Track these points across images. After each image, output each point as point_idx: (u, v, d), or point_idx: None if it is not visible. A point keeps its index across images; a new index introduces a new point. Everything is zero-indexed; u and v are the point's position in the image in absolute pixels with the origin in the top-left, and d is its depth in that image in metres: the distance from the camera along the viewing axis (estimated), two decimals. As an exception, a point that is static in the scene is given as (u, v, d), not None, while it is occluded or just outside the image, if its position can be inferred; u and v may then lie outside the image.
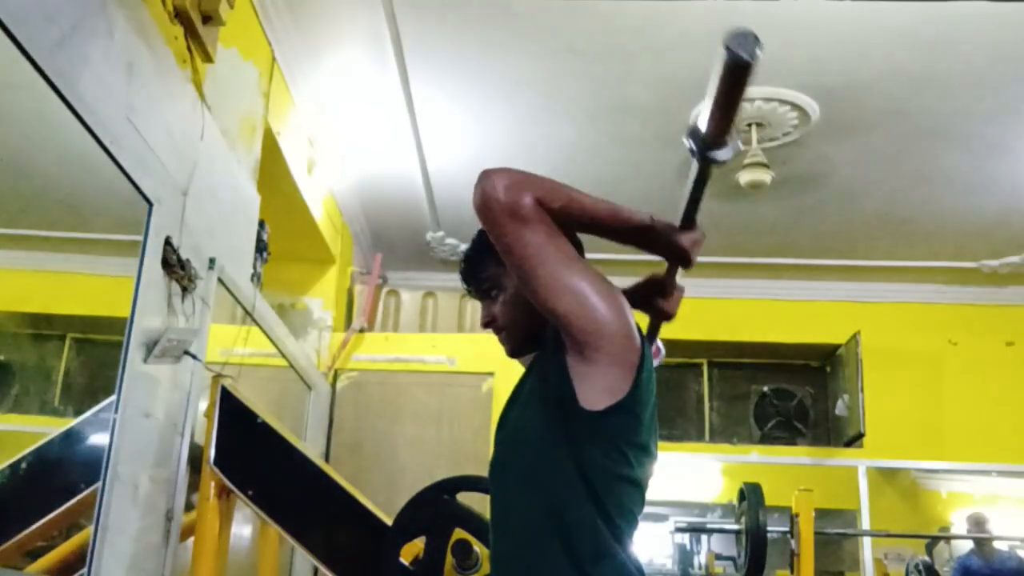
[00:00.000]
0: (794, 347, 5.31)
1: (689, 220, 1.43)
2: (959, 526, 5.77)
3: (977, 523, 5.19)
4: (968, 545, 5.55)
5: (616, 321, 1.35)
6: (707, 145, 1.29)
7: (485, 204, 1.33)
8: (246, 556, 3.34)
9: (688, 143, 1.30)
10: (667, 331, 1.64)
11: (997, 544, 5.30)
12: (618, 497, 1.38)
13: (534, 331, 1.50)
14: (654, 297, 1.56)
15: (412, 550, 2.09)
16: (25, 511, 2.35)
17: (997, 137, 3.69)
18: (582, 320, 1.34)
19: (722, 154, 1.29)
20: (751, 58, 1.14)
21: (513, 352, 1.60)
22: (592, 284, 1.35)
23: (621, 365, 1.36)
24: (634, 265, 1.60)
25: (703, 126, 1.28)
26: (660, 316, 1.58)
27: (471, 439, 4.19)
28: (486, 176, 1.34)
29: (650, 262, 1.53)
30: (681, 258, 1.45)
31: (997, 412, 4.93)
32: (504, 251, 1.37)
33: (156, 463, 2.22)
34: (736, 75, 1.17)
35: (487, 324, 1.60)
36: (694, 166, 1.34)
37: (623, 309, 1.37)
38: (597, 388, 1.35)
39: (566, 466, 1.36)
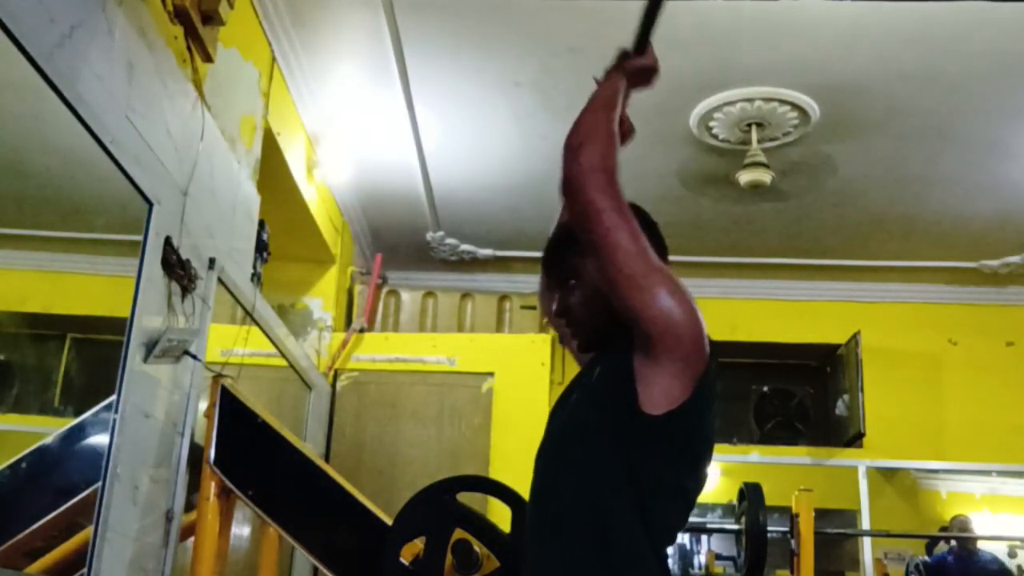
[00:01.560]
0: (794, 347, 5.30)
1: (642, 43, 1.59)
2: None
3: (962, 528, 5.19)
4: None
5: (691, 325, 1.35)
6: None
7: (576, 194, 1.37)
8: (246, 556, 3.34)
9: None
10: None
11: (998, 544, 5.31)
12: (661, 505, 1.38)
13: (607, 326, 1.48)
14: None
15: (412, 550, 2.09)
16: (25, 511, 2.35)
17: (997, 137, 3.69)
18: (659, 319, 1.34)
19: None
20: None
21: (583, 346, 1.58)
22: (673, 285, 1.35)
23: (686, 371, 1.36)
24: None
25: None
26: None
27: (471, 439, 4.19)
28: (575, 156, 1.38)
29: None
30: (644, 73, 1.63)
31: (997, 412, 4.93)
32: (595, 241, 1.37)
33: (156, 463, 2.22)
34: None
35: (561, 314, 1.57)
36: None
37: (698, 315, 1.37)
38: (659, 392, 1.35)
39: (615, 465, 1.36)
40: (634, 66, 1.62)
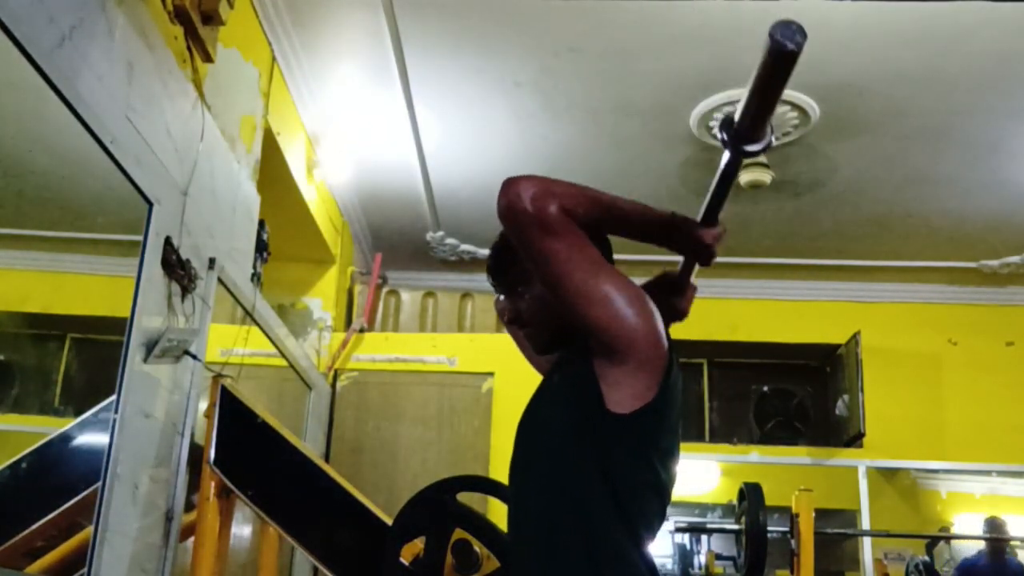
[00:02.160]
0: (794, 347, 5.30)
1: (712, 215, 1.41)
2: (959, 526, 5.77)
3: (994, 528, 5.18)
4: (968, 545, 5.56)
5: (645, 327, 1.35)
6: (740, 136, 1.27)
7: (511, 214, 1.33)
8: (246, 556, 3.34)
9: (721, 134, 1.28)
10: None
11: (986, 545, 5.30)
12: (639, 502, 1.38)
13: (562, 329, 1.48)
14: (667, 295, 1.55)
15: (412, 550, 2.09)
16: (25, 511, 2.35)
17: (997, 137, 3.69)
18: (612, 327, 1.34)
19: (755, 147, 1.28)
20: (796, 47, 1.13)
21: (540, 349, 1.58)
22: (621, 290, 1.35)
23: (649, 370, 1.36)
24: (648, 265, 1.60)
25: (739, 113, 1.26)
26: (673, 316, 1.57)
27: (471, 439, 4.19)
28: (510, 185, 1.33)
29: (662, 261, 1.54)
30: (702, 254, 1.45)
31: (997, 412, 4.93)
32: (531, 260, 1.37)
33: (156, 463, 2.22)
34: (780, 64, 1.17)
35: (512, 321, 1.58)
36: (724, 157, 1.32)
37: (652, 314, 1.37)
38: (625, 392, 1.35)
39: (589, 468, 1.36)
40: (696, 235, 1.44)
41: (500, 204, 1.34)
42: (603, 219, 1.40)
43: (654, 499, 1.41)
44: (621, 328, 1.34)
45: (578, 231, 1.34)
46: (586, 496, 1.36)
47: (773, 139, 1.31)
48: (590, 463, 1.37)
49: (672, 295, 1.55)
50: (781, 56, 1.14)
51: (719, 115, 3.55)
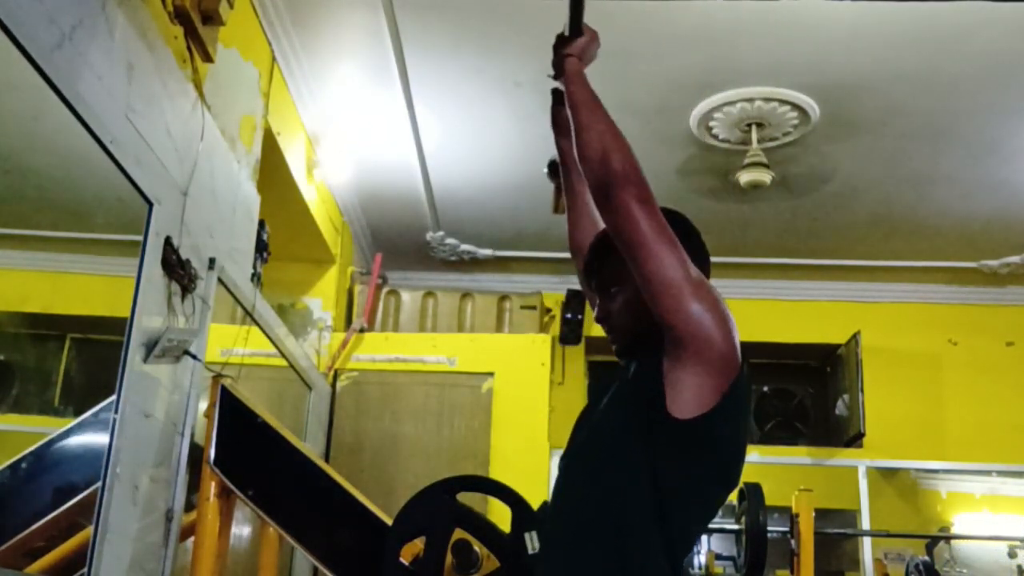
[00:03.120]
0: (794, 347, 5.30)
1: (576, 27, 1.62)
2: (959, 526, 5.77)
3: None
4: (968, 545, 5.55)
5: (723, 331, 1.36)
6: None
7: (616, 185, 1.37)
8: (246, 556, 3.34)
9: None
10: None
11: (998, 544, 5.30)
12: (681, 511, 1.37)
13: (645, 336, 1.48)
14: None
15: (412, 550, 2.09)
16: (25, 511, 2.35)
17: (997, 137, 3.68)
18: (691, 323, 1.34)
19: None
20: None
21: (621, 352, 1.59)
22: (707, 294, 1.36)
23: (716, 377, 1.36)
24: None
25: None
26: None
27: (471, 439, 4.19)
28: (615, 156, 1.39)
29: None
30: (591, 46, 1.69)
31: (997, 412, 4.93)
32: (632, 245, 1.38)
33: (156, 463, 2.22)
34: None
35: (602, 320, 1.58)
36: None
37: (731, 321, 1.38)
38: (687, 396, 1.35)
39: (640, 469, 1.36)
40: (581, 46, 1.68)
41: (606, 170, 1.39)
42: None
43: (701, 511, 1.41)
44: (699, 325, 1.34)
45: (669, 229, 1.39)
46: (630, 498, 1.36)
47: None
48: (640, 462, 1.36)
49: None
50: None
51: (719, 115, 3.55)
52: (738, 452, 1.45)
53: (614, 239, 1.42)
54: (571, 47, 1.66)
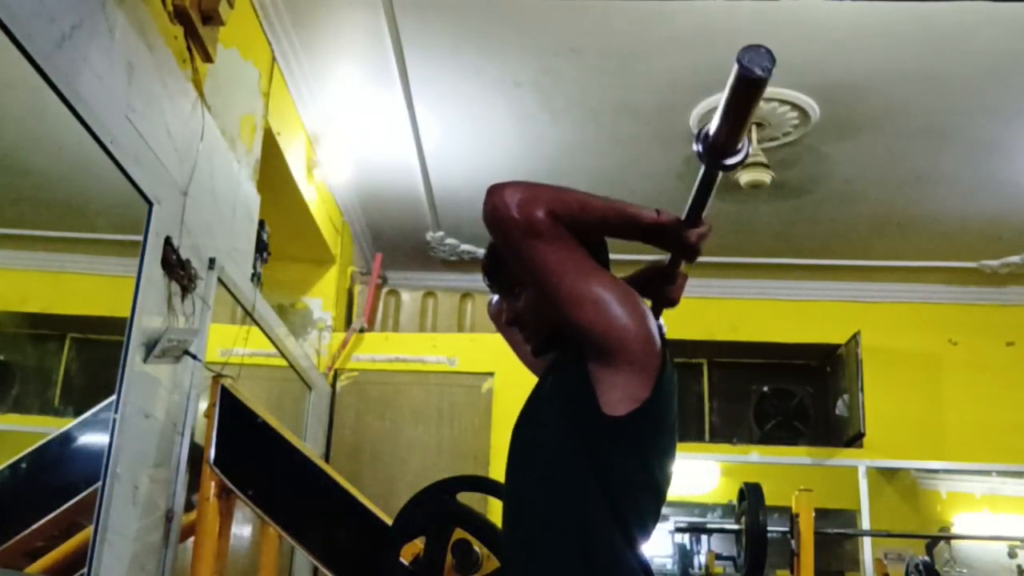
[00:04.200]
0: (794, 347, 5.30)
1: (695, 217, 1.43)
2: (959, 526, 5.77)
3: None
4: (968, 545, 5.55)
5: (637, 328, 1.35)
6: (715, 151, 1.29)
7: (497, 221, 1.33)
8: (246, 556, 3.34)
9: (696, 147, 1.30)
10: (667, 331, 1.64)
11: (998, 544, 5.30)
12: (635, 504, 1.38)
13: (558, 330, 1.49)
14: (657, 285, 1.56)
15: (412, 550, 2.09)
16: (25, 511, 2.35)
17: (997, 137, 3.68)
18: (604, 329, 1.34)
19: (731, 160, 1.30)
20: (764, 73, 1.13)
21: (537, 350, 1.59)
22: (611, 291, 1.35)
23: (642, 371, 1.36)
24: (635, 265, 1.60)
25: (712, 130, 1.27)
26: (663, 303, 1.58)
27: (471, 439, 4.19)
28: (496, 192, 1.33)
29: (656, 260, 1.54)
30: (688, 252, 1.46)
31: (997, 412, 4.92)
32: (520, 265, 1.38)
33: (156, 463, 2.22)
34: (748, 89, 1.17)
35: (510, 322, 1.58)
36: (702, 168, 1.35)
37: (643, 314, 1.37)
38: (618, 393, 1.35)
39: (584, 470, 1.36)
40: (682, 235, 1.45)
41: (485, 210, 1.33)
42: (590, 221, 1.40)
43: (649, 500, 1.41)
44: (612, 329, 1.34)
45: (566, 234, 1.34)
46: (581, 498, 1.36)
47: (750, 150, 1.33)
48: (585, 465, 1.37)
49: (662, 284, 1.56)
50: (749, 83, 1.15)
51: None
52: (672, 436, 1.45)
53: (507, 259, 1.41)
54: (689, 234, 1.44)
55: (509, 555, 1.49)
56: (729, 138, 1.26)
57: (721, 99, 1.22)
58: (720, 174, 1.34)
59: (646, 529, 1.41)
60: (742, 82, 1.15)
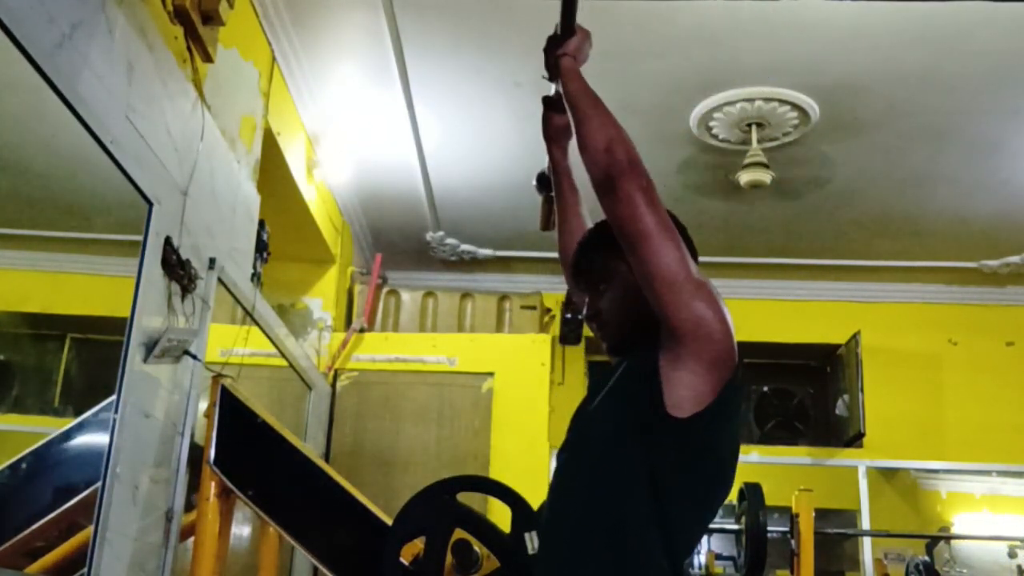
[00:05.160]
0: (794, 347, 5.30)
1: (568, 26, 1.61)
2: (959, 526, 5.77)
3: None
4: (968, 545, 5.56)
5: (722, 329, 1.35)
6: None
7: (618, 174, 1.37)
8: (246, 556, 3.34)
9: None
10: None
11: (998, 544, 5.30)
12: (681, 512, 1.36)
13: (636, 332, 1.48)
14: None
15: (412, 550, 2.08)
16: (25, 511, 2.35)
17: (997, 137, 3.68)
18: (691, 320, 1.33)
19: None
20: None
21: (612, 349, 1.58)
22: (709, 293, 1.36)
23: (714, 375, 1.35)
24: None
25: None
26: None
27: (471, 439, 4.19)
28: (614, 145, 1.39)
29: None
30: (585, 45, 1.68)
31: (997, 412, 4.93)
32: (636, 236, 1.36)
33: (156, 463, 2.22)
34: None
35: (591, 317, 1.57)
36: None
37: (730, 322, 1.37)
38: (684, 393, 1.34)
39: (637, 469, 1.35)
40: (575, 46, 1.68)
41: (603, 160, 1.39)
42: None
43: (700, 512, 1.40)
44: (699, 321, 1.33)
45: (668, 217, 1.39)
46: (627, 498, 1.35)
47: None
48: (638, 464, 1.35)
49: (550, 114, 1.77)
50: None
51: (719, 115, 3.55)
52: (735, 450, 1.45)
53: (616, 232, 1.40)
54: (565, 47, 1.66)
55: (546, 532, 1.48)
56: None
57: None
58: None
59: (689, 541, 1.39)
60: None
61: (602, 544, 1.33)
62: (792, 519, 3.75)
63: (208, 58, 2.49)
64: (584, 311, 1.60)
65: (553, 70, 1.64)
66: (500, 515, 2.04)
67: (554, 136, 1.82)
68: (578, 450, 1.47)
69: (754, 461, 5.08)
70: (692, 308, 1.33)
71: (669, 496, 1.34)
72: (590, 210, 1.82)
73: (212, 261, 2.55)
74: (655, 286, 1.34)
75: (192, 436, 2.40)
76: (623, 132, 1.41)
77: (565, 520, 1.41)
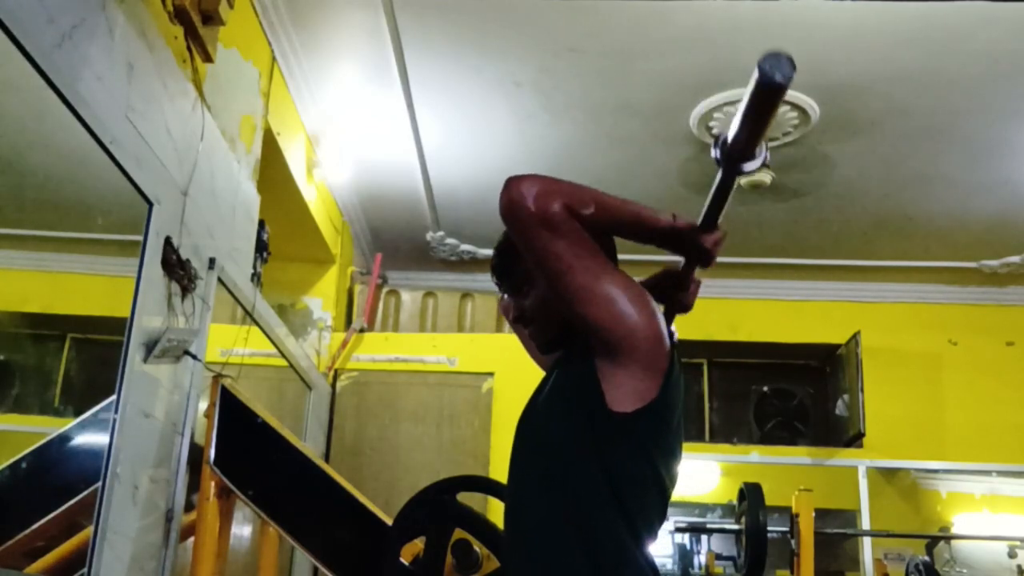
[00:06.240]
0: (794, 347, 5.30)
1: (711, 222, 1.43)
2: (959, 526, 5.77)
3: None
4: (968, 545, 5.55)
5: (646, 325, 1.36)
6: (733, 156, 1.29)
7: (513, 212, 1.34)
8: (246, 556, 3.34)
9: (715, 152, 1.31)
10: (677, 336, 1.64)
11: (998, 544, 5.30)
12: (640, 501, 1.38)
13: (566, 328, 1.50)
14: (671, 290, 1.56)
15: (412, 550, 2.09)
16: (25, 511, 2.35)
17: (997, 137, 3.69)
18: (613, 326, 1.35)
19: (748, 166, 1.30)
20: (784, 80, 1.14)
21: (544, 348, 1.59)
22: (623, 290, 1.36)
23: (650, 368, 1.37)
24: (649, 266, 1.60)
25: (731, 136, 1.28)
26: (677, 308, 1.58)
27: (471, 439, 4.19)
28: (513, 184, 1.34)
29: (664, 261, 1.55)
30: (703, 258, 1.47)
31: (997, 412, 4.93)
32: (534, 259, 1.38)
33: (156, 463, 2.22)
34: (768, 95, 1.17)
35: (517, 320, 1.59)
36: (719, 173, 1.35)
37: (653, 313, 1.38)
38: (626, 391, 1.36)
39: (590, 470, 1.36)
40: (697, 241, 1.45)
41: (502, 202, 1.35)
42: (605, 220, 1.40)
43: (656, 498, 1.41)
44: (622, 327, 1.35)
45: (581, 230, 1.35)
46: (587, 495, 1.36)
47: (767, 155, 1.33)
48: (591, 462, 1.37)
49: (675, 290, 1.56)
50: (769, 88, 1.15)
51: (719, 115, 3.55)
52: (679, 436, 1.46)
53: (521, 251, 1.42)
54: (694, 234, 1.45)
55: (511, 554, 1.48)
56: (747, 144, 1.27)
57: (740, 105, 1.22)
58: (737, 180, 1.34)
59: (652, 528, 1.41)
60: (762, 88, 1.15)
61: (574, 547, 1.34)
62: (792, 519, 3.75)
63: (208, 58, 2.49)
64: (509, 315, 1.61)
65: (705, 259, 1.48)
66: (500, 515, 2.04)
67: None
68: (529, 463, 1.48)
69: (754, 461, 5.08)
70: (613, 315, 1.34)
71: (626, 489, 1.36)
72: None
73: (212, 261, 2.55)
74: (569, 302, 1.37)
75: (192, 436, 2.40)
76: (559, 184, 1.36)
77: (531, 532, 1.41)
